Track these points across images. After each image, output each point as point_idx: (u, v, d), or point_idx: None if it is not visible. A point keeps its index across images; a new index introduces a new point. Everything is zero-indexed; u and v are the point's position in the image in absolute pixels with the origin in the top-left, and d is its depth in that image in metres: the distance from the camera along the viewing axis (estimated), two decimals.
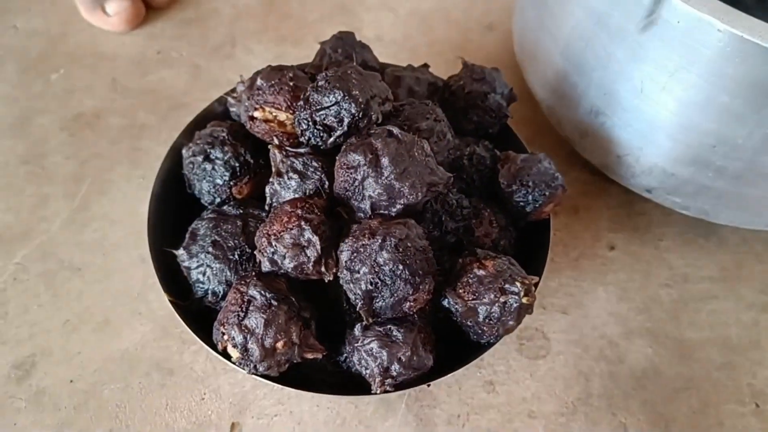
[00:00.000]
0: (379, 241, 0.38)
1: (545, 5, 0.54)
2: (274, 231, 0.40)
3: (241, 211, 0.46)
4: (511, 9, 0.73)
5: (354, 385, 0.43)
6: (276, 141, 0.44)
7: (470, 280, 0.42)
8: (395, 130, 0.41)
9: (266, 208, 0.45)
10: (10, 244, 0.57)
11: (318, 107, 0.42)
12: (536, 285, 0.43)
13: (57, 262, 0.56)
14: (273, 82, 0.45)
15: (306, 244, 0.40)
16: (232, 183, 0.47)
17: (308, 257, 0.40)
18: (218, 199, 0.48)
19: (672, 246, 0.59)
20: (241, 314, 0.40)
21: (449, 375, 0.43)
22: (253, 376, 0.40)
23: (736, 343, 0.54)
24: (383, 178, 0.40)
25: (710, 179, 0.49)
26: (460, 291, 0.42)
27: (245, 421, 0.48)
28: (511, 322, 0.42)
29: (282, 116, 0.45)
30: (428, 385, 0.42)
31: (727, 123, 0.45)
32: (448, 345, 0.44)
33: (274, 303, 0.39)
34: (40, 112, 0.66)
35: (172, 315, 0.51)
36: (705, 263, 0.58)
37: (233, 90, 0.52)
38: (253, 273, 0.41)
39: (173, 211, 0.50)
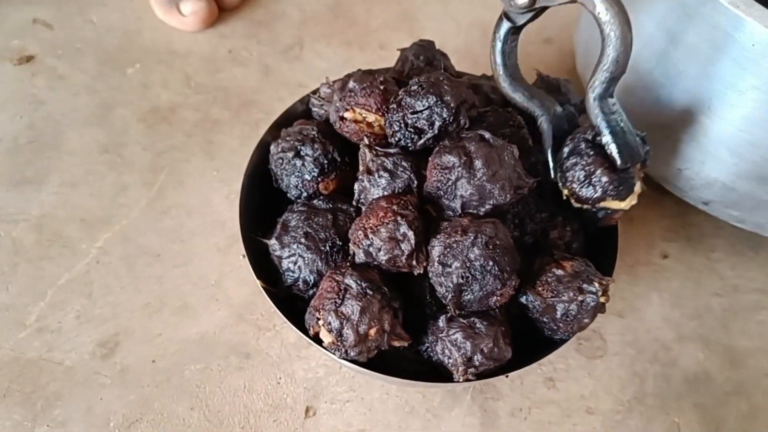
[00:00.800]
0: (471, 238, 0.41)
1: None
2: (371, 225, 0.43)
3: (331, 205, 0.48)
4: (567, 23, 0.76)
5: (430, 374, 0.45)
6: (366, 141, 0.47)
7: (549, 279, 0.44)
8: (487, 135, 0.43)
9: (354, 203, 0.47)
10: (93, 228, 0.59)
11: (411, 110, 0.45)
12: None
13: (137, 247, 0.58)
14: (365, 85, 0.47)
15: (401, 238, 0.42)
16: (320, 179, 0.49)
17: (402, 250, 0.42)
18: (305, 194, 0.50)
19: (723, 257, 0.61)
20: (338, 301, 0.42)
21: (524, 368, 0.45)
22: (342, 360, 0.42)
23: None
24: (476, 179, 0.42)
25: None
26: (539, 289, 0.45)
27: (319, 405, 0.51)
28: (586, 320, 0.44)
29: (371, 117, 0.47)
30: (506, 376, 0.44)
31: None
32: (518, 340, 0.46)
33: (369, 292, 0.41)
34: (118, 104, 0.68)
35: (248, 302, 0.55)
36: (755, 275, 0.60)
37: (315, 91, 0.54)
38: (348, 263, 0.44)
39: (257, 204, 0.52)
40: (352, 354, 0.42)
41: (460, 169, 0.42)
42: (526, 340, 0.46)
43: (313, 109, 0.54)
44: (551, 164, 0.48)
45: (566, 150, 0.46)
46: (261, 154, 0.53)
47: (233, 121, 0.67)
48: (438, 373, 0.45)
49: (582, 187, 0.45)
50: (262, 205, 0.52)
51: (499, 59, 0.49)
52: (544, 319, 0.45)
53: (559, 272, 0.44)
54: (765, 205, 0.53)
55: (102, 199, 0.61)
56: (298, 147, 0.50)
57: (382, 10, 0.80)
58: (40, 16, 0.75)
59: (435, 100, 0.44)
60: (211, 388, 0.51)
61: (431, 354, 0.45)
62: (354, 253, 0.44)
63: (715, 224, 0.62)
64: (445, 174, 0.43)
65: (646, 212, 0.63)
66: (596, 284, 0.43)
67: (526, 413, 0.51)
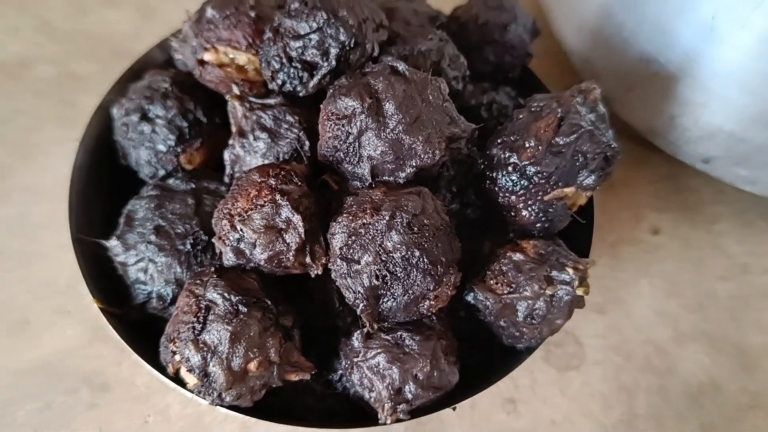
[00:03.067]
0: (386, 218, 0.30)
1: None
2: (239, 209, 0.32)
3: (193, 185, 0.37)
4: None
5: (352, 412, 0.35)
6: (235, 89, 0.35)
7: (504, 268, 0.34)
8: (400, 66, 0.32)
9: (226, 179, 0.37)
10: None
11: (293, 37, 0.33)
12: None
13: None
14: (228, 12, 0.36)
15: (284, 226, 0.31)
16: (179, 149, 0.39)
17: (287, 244, 0.31)
18: (162, 171, 0.39)
19: (728, 229, 0.51)
20: (198, 326, 0.31)
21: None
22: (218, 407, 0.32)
23: None
24: (388, 130, 0.31)
25: None
26: (491, 282, 0.35)
27: None
28: (558, 321, 0.35)
29: (241, 58, 0.37)
30: (453, 409, 0.34)
31: None
32: (466, 351, 0.36)
33: (243, 309, 0.31)
34: None
35: None
36: None
37: (179, 31, 0.42)
38: (212, 268, 0.32)
39: (103, 188, 0.41)
40: (228, 399, 0.32)
41: (363, 117, 0.31)
42: (479, 351, 0.36)
43: (176, 55, 0.43)
44: None
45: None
46: (103, 121, 0.41)
47: (101, 77, 0.54)
48: (359, 409, 0.34)
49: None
50: (111, 190, 0.41)
51: None
52: (501, 324, 0.35)
53: (518, 257, 0.34)
54: None
55: None
56: (145, 107, 0.39)
57: None
58: None
59: (326, 17, 0.33)
60: None
61: (347, 385, 0.35)
62: (221, 253, 0.33)
63: (716, 187, 0.52)
64: (343, 126, 0.31)
65: (630, 175, 0.53)
66: (570, 270, 0.34)
67: None
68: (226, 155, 0.35)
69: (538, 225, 0.33)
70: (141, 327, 0.35)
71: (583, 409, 0.42)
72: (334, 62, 0.32)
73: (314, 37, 0.32)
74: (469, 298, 0.34)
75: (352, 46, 0.32)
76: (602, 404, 0.42)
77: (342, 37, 0.32)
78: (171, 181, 0.36)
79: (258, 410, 0.33)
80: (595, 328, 0.46)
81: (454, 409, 0.33)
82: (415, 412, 0.33)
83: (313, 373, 0.33)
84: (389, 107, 0.30)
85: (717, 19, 0.39)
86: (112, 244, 0.36)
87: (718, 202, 0.52)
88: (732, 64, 0.40)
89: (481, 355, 0.36)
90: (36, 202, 0.48)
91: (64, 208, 0.47)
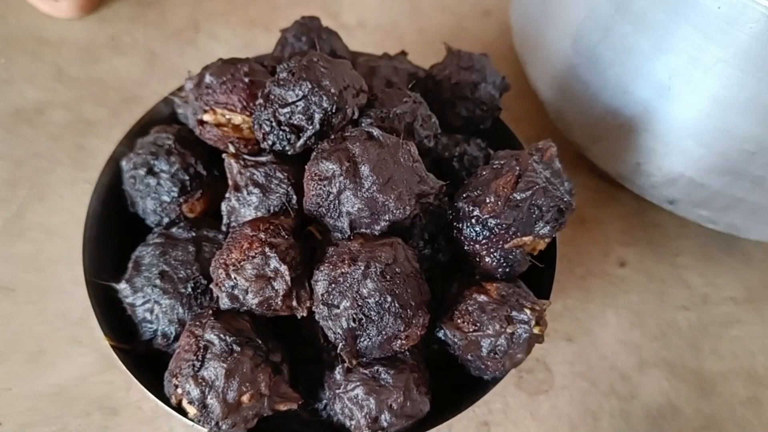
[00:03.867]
0: (362, 268, 0.33)
1: None
2: (233, 260, 0.34)
3: (194, 234, 0.39)
4: None
5: None
6: (231, 148, 0.37)
7: (470, 308, 0.36)
8: (375, 132, 0.34)
9: (223, 228, 0.39)
10: None
11: (282, 103, 0.36)
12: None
13: None
14: (225, 78, 0.38)
15: (272, 275, 0.34)
16: (181, 199, 0.41)
17: (276, 290, 0.34)
18: (166, 219, 0.41)
19: (690, 262, 0.53)
20: (197, 364, 0.33)
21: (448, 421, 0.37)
22: None
23: (763, 374, 0.48)
24: (363, 189, 0.34)
25: (746, 191, 0.43)
26: (458, 321, 0.36)
27: None
28: (519, 355, 0.36)
29: (237, 119, 0.39)
30: None
31: None
32: (440, 380, 0.38)
33: (237, 348, 0.33)
34: None
35: None
36: (727, 281, 0.52)
37: (181, 88, 0.45)
38: (210, 311, 0.35)
39: (114, 232, 0.43)
40: (224, 427, 0.34)
41: (342, 178, 0.33)
42: (451, 381, 0.38)
43: (179, 111, 0.45)
44: None
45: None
46: (116, 172, 0.43)
47: (111, 122, 0.57)
48: None
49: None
50: (122, 234, 0.43)
51: None
52: (469, 358, 0.37)
53: (482, 299, 0.36)
54: (740, 204, 0.45)
55: None
56: (151, 161, 0.41)
57: None
58: None
59: (310, 87, 0.35)
60: None
61: (330, 413, 0.37)
62: (218, 298, 0.35)
63: (680, 223, 0.54)
64: (325, 186, 0.34)
65: (600, 212, 0.55)
66: (528, 311, 0.35)
67: None
68: (223, 207, 0.38)
69: (500, 270, 0.36)
70: (147, 360, 0.38)
71: (551, 431, 0.44)
72: (318, 126, 0.35)
73: (300, 104, 0.35)
74: (440, 334, 0.36)
75: (334, 111, 0.35)
76: (569, 427, 0.45)
77: (325, 104, 0.35)
78: (174, 229, 0.39)
79: None
80: (563, 355, 0.47)
81: None
82: None
83: (300, 402, 0.35)
84: (364, 169, 0.33)
85: (673, 80, 0.41)
86: (122, 287, 0.38)
87: (682, 237, 0.54)
88: (687, 120, 0.42)
89: (452, 384, 0.38)
90: (50, 239, 0.50)
91: (76, 245, 0.49)
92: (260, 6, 0.67)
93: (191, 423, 0.35)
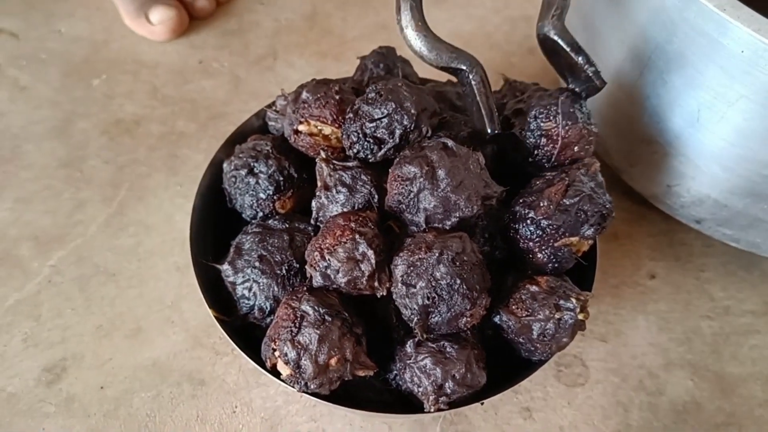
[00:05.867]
0: (436, 254, 0.38)
1: (596, 31, 0.54)
2: (327, 245, 0.40)
3: (287, 225, 0.45)
4: None
5: (401, 403, 0.42)
6: (322, 154, 0.44)
7: (523, 297, 0.41)
8: (450, 143, 0.40)
9: (312, 222, 0.45)
10: (46, 246, 0.56)
11: (369, 119, 0.42)
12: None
13: (92, 266, 0.55)
14: (319, 95, 0.44)
15: (360, 258, 0.39)
16: (275, 197, 0.47)
17: (362, 271, 0.39)
18: (261, 214, 0.47)
19: (713, 277, 0.58)
20: (294, 330, 0.38)
21: (499, 396, 0.42)
22: (303, 393, 0.39)
23: None
24: (439, 190, 0.39)
25: (764, 212, 0.48)
26: (513, 307, 0.42)
27: None
28: (565, 339, 0.41)
29: (327, 130, 0.45)
30: (482, 403, 0.41)
31: None
32: (492, 364, 0.43)
33: (328, 318, 0.38)
34: (81, 117, 0.65)
35: (205, 325, 0.52)
36: (747, 296, 0.57)
37: (272, 104, 0.51)
38: (304, 288, 0.40)
39: (212, 225, 0.49)
40: (312, 387, 0.39)
41: (422, 180, 0.39)
42: (502, 362, 0.43)
43: (270, 123, 0.51)
44: (491, 119, 0.42)
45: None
46: (214, 173, 0.50)
47: (200, 135, 0.64)
48: (408, 403, 0.42)
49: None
50: (218, 226, 0.49)
51: (407, 11, 0.42)
52: (520, 340, 0.42)
53: (534, 289, 0.41)
54: (760, 224, 0.50)
55: (57, 216, 0.58)
56: (252, 164, 0.47)
57: (358, 20, 0.78)
58: (6, 26, 0.73)
59: (394, 107, 0.41)
60: (162, 417, 0.48)
61: (400, 382, 0.42)
62: (311, 276, 0.41)
63: (705, 242, 0.59)
64: (407, 186, 0.40)
65: (632, 229, 0.60)
66: (573, 300, 0.40)
67: None
68: (314, 203, 0.44)
69: (550, 265, 0.42)
70: (240, 333, 0.43)
71: (586, 418, 0.49)
72: (397, 139, 0.41)
73: (384, 120, 0.41)
74: (496, 319, 0.42)
75: (412, 128, 0.41)
76: (602, 415, 0.49)
77: (405, 122, 0.41)
78: (270, 221, 0.45)
79: (332, 398, 0.40)
80: (598, 353, 0.52)
81: (482, 403, 0.40)
82: (452, 404, 0.40)
83: (375, 371, 0.40)
84: (441, 173, 0.39)
85: (702, 112, 0.46)
86: (225, 267, 0.44)
87: (706, 255, 0.59)
88: (714, 147, 0.47)
89: (504, 367, 0.43)
90: (148, 234, 0.57)
91: (171, 239, 0.57)
92: (331, 40, 0.75)
93: (275, 390, 0.40)
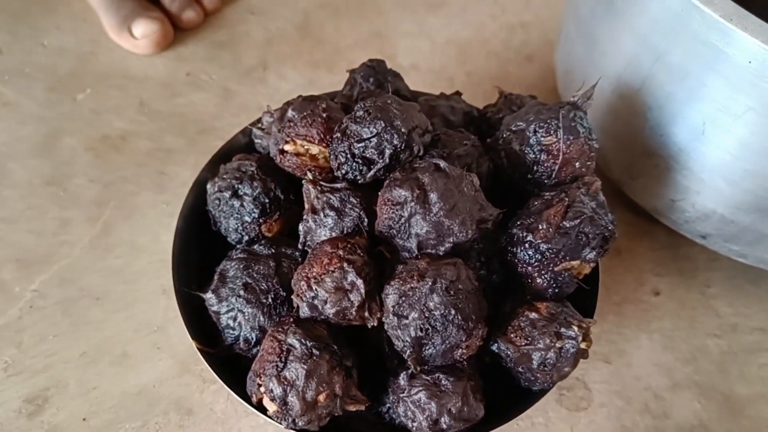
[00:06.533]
0: (429, 283, 0.36)
1: (594, 40, 0.52)
2: (314, 273, 0.38)
3: (274, 251, 0.43)
4: (551, 40, 0.71)
5: None
6: (309, 175, 0.42)
7: (522, 324, 0.39)
8: (442, 164, 0.39)
9: (300, 246, 0.43)
10: (30, 268, 0.54)
11: (357, 139, 0.40)
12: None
13: (77, 289, 0.53)
14: (305, 113, 0.43)
15: (349, 288, 0.37)
16: (261, 220, 0.45)
17: (352, 302, 0.37)
18: (246, 237, 0.45)
19: (720, 293, 0.56)
20: (280, 365, 0.37)
21: (502, 426, 0.40)
22: (290, 430, 0.38)
23: None
24: (432, 215, 0.37)
25: None
26: (512, 336, 0.40)
27: None
28: (566, 369, 0.39)
29: (314, 149, 0.43)
30: None
31: None
32: (491, 391, 0.41)
33: (316, 352, 0.37)
34: (66, 133, 0.64)
35: (192, 351, 0.49)
36: (755, 312, 0.55)
37: (258, 120, 0.50)
38: (291, 319, 0.39)
39: (197, 247, 0.47)
40: (300, 423, 0.37)
41: (413, 204, 0.37)
42: (501, 392, 0.41)
43: (256, 140, 0.50)
44: None
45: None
46: (199, 193, 0.48)
47: (188, 150, 0.63)
48: None
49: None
50: (203, 249, 0.47)
51: None
52: (520, 369, 0.40)
53: (533, 316, 0.40)
54: (767, 239, 0.47)
55: (41, 237, 0.56)
56: (236, 185, 0.45)
57: (352, 29, 0.76)
58: None
59: (383, 125, 0.39)
60: None
61: (393, 416, 0.40)
62: (298, 307, 0.39)
63: (710, 256, 0.57)
64: (397, 210, 0.38)
65: (635, 245, 0.58)
66: (575, 328, 0.39)
67: None
68: (301, 227, 0.42)
69: (550, 290, 0.40)
70: (225, 363, 0.42)
71: None
72: (387, 160, 0.39)
73: (374, 140, 0.39)
74: (494, 348, 0.40)
75: (402, 148, 0.39)
76: None
77: (395, 141, 0.39)
78: (256, 246, 0.43)
79: None
80: (601, 375, 0.50)
81: None
82: None
83: (367, 405, 0.38)
84: (433, 197, 0.37)
85: (707, 125, 0.44)
86: (208, 296, 0.42)
87: (712, 269, 0.57)
88: (719, 161, 0.45)
89: (503, 395, 0.41)
90: (135, 255, 0.55)
91: (158, 260, 0.55)
92: (323, 50, 0.73)
93: (265, 420, 0.38)
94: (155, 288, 0.54)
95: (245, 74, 0.70)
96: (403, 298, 0.37)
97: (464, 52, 0.45)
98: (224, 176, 0.46)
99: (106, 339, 0.51)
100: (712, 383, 0.51)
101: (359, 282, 0.37)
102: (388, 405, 0.40)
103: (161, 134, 0.64)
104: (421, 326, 0.36)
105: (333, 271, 0.37)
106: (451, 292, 0.36)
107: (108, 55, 0.71)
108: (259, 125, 0.49)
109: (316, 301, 0.38)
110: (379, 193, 0.39)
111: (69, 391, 0.48)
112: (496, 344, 0.40)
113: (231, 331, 0.42)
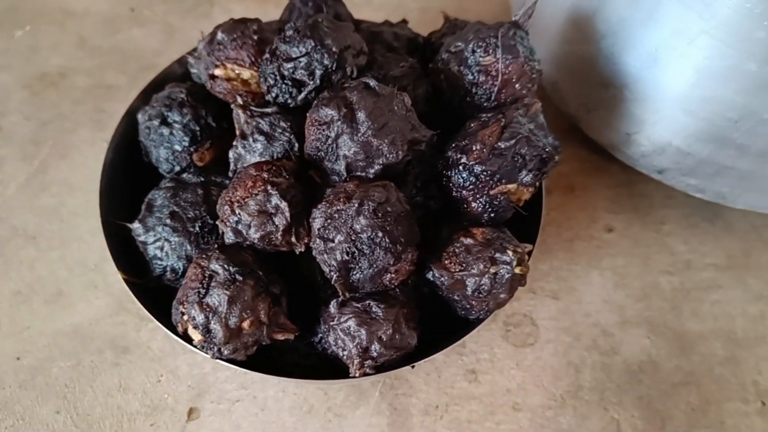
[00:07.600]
0: (356, 205, 0.34)
1: None
2: (238, 197, 0.36)
3: (203, 179, 0.42)
4: None
5: (330, 369, 0.39)
6: (240, 100, 0.40)
7: (457, 250, 0.38)
8: (372, 82, 0.37)
9: (230, 174, 0.41)
10: None
11: (286, 59, 0.38)
12: (530, 254, 0.39)
13: (10, 228, 0.52)
14: (235, 35, 0.41)
15: (273, 211, 0.36)
16: (192, 149, 0.43)
17: (276, 226, 0.36)
18: (177, 168, 0.44)
19: (675, 230, 0.55)
20: (202, 291, 0.35)
21: (434, 356, 0.39)
22: (217, 360, 0.36)
23: (742, 336, 0.49)
24: (359, 134, 0.36)
25: (731, 158, 0.45)
26: (446, 262, 0.38)
27: (204, 406, 0.44)
28: (502, 295, 0.38)
29: (246, 74, 0.41)
30: (412, 367, 0.38)
31: (754, 94, 0.40)
32: (432, 325, 0.40)
33: (239, 278, 0.35)
34: (1, 70, 0.61)
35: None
36: (710, 249, 0.54)
37: (194, 50, 0.47)
38: (216, 245, 0.37)
39: (131, 181, 0.46)
40: (225, 352, 0.36)
41: (339, 123, 0.36)
42: (440, 323, 0.40)
43: (192, 70, 0.48)
44: None
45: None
46: (130, 125, 0.46)
47: (129, 87, 0.60)
48: (335, 368, 0.39)
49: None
50: (137, 185, 0.45)
51: None
52: (455, 297, 0.39)
53: (468, 241, 0.38)
54: (727, 172, 0.46)
55: None
56: (165, 113, 0.43)
57: None
58: None
59: (313, 44, 0.38)
60: (82, 387, 0.45)
61: (325, 346, 0.39)
62: (223, 233, 0.38)
63: (666, 193, 0.56)
64: (324, 131, 0.36)
65: (589, 181, 0.57)
66: (510, 253, 0.37)
67: (442, 411, 0.45)
68: (231, 154, 0.40)
69: (486, 215, 0.39)
70: (157, 296, 0.40)
71: (535, 380, 0.46)
72: (318, 81, 0.38)
73: (303, 60, 0.37)
74: (429, 275, 0.38)
75: (334, 68, 0.37)
76: (552, 376, 0.46)
77: (326, 61, 0.37)
78: (185, 175, 0.42)
79: (252, 364, 0.37)
80: (549, 311, 0.49)
81: (412, 367, 0.38)
82: (380, 368, 0.37)
83: (297, 334, 0.37)
84: (361, 115, 0.35)
85: (659, 51, 0.43)
86: (135, 226, 0.41)
87: (668, 206, 0.55)
88: (674, 89, 0.44)
89: (441, 327, 0.40)
90: (71, 193, 0.53)
91: (95, 199, 0.52)
92: None
93: (203, 357, 0.37)
94: (92, 227, 0.52)
95: (190, 10, 0.67)
96: (329, 221, 0.35)
97: None
98: (154, 104, 0.44)
99: (41, 278, 0.50)
100: (663, 320, 0.50)
101: (283, 205, 0.35)
102: (320, 335, 0.39)
103: (101, 71, 0.62)
104: (347, 249, 0.34)
105: (256, 194, 0.36)
106: (379, 215, 0.34)
107: None
108: (195, 54, 0.47)
109: (240, 226, 0.36)
110: (307, 114, 0.38)
111: (2, 330, 0.47)
112: (431, 272, 0.39)
113: (159, 262, 0.41)
